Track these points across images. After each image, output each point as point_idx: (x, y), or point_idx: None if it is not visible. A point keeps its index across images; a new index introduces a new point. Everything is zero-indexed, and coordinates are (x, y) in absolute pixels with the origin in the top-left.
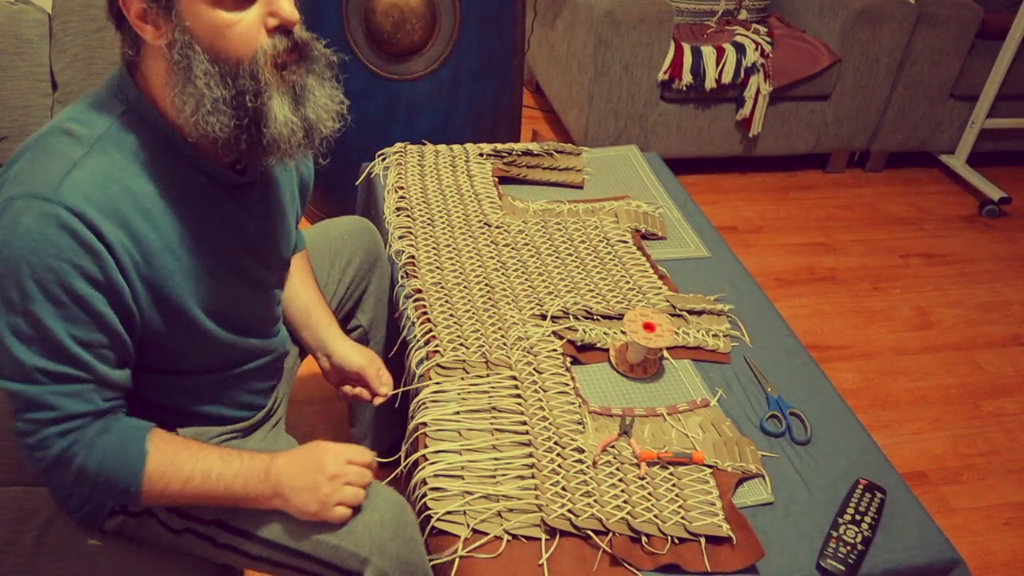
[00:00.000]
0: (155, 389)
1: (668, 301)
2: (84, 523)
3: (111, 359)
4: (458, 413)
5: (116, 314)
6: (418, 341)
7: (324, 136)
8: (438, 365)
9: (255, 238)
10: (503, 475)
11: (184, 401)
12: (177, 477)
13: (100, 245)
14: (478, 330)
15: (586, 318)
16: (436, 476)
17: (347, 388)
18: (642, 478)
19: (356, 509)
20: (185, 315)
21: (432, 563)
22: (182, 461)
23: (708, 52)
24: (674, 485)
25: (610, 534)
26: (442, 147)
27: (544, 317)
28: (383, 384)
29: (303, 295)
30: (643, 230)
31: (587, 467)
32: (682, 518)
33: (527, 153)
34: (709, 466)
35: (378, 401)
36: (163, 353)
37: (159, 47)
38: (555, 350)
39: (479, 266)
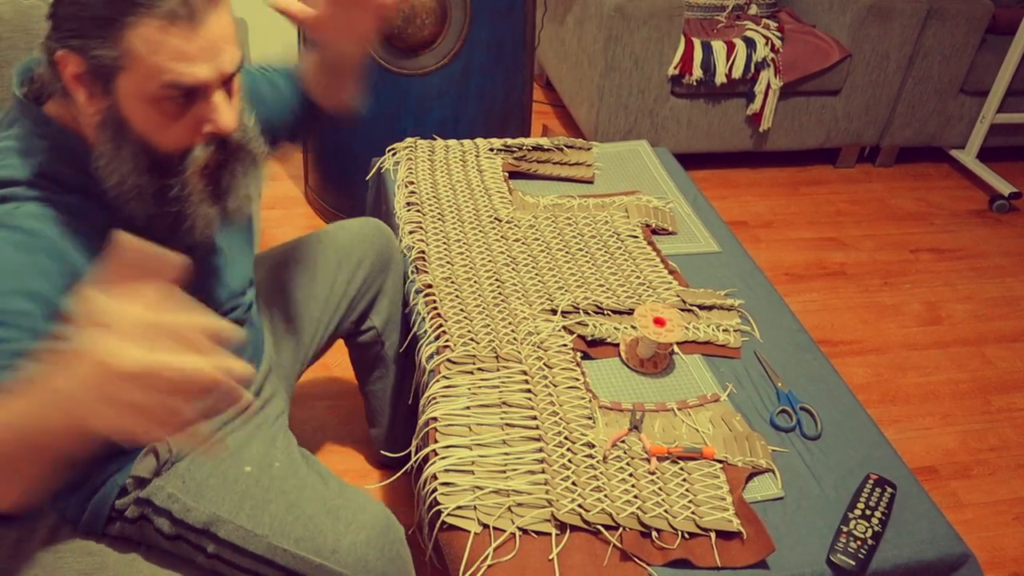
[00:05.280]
0: None
1: (678, 296)
2: (86, 530)
3: None
4: (468, 408)
5: None
6: (428, 336)
7: (244, 215)
8: (448, 360)
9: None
10: (513, 470)
11: None
12: None
13: None
14: (488, 325)
15: (596, 313)
16: (446, 471)
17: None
18: (652, 473)
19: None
20: None
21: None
22: None
23: (718, 47)
24: (684, 480)
25: (620, 529)
26: (452, 142)
27: (554, 312)
28: None
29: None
30: (653, 225)
31: (597, 462)
32: (692, 513)
33: (537, 148)
34: (719, 461)
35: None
36: None
37: (87, 113)
38: (565, 345)
39: (489, 261)
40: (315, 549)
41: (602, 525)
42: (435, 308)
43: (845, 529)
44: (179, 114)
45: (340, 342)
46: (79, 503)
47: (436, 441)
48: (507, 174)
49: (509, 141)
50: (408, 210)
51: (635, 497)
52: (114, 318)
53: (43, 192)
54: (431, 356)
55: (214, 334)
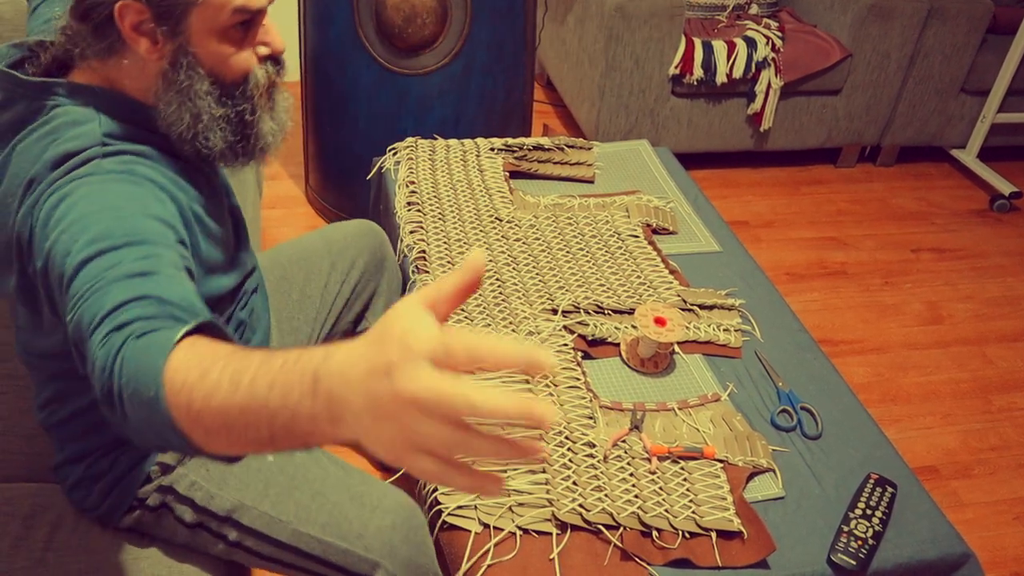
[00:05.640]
0: None
1: (679, 295)
2: (102, 521)
3: None
4: None
5: None
6: None
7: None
8: None
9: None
10: (514, 469)
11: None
12: (201, 382)
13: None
14: (489, 324)
15: (597, 312)
16: None
17: None
18: (653, 473)
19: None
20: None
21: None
22: (210, 361)
23: (719, 47)
24: (685, 480)
25: (621, 528)
26: (453, 141)
27: (555, 311)
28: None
29: None
30: (654, 224)
31: (598, 462)
32: (693, 512)
33: (538, 148)
34: (720, 461)
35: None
36: None
37: (151, 61)
38: (566, 344)
39: (490, 260)
40: (341, 534)
41: (603, 525)
42: None
43: (846, 529)
44: (241, 42)
45: None
46: (101, 493)
47: None
48: (508, 174)
49: (510, 141)
50: (409, 210)
51: (636, 497)
52: (419, 335)
53: (117, 148)
54: None
55: (530, 363)
